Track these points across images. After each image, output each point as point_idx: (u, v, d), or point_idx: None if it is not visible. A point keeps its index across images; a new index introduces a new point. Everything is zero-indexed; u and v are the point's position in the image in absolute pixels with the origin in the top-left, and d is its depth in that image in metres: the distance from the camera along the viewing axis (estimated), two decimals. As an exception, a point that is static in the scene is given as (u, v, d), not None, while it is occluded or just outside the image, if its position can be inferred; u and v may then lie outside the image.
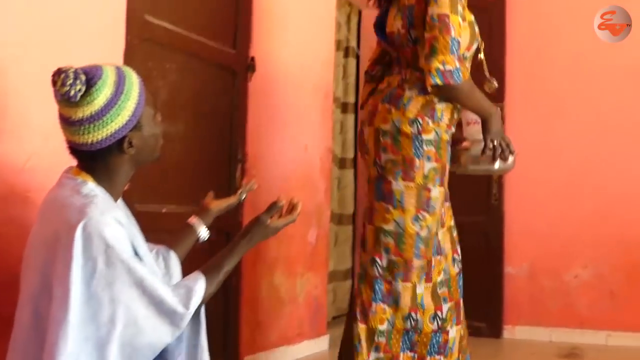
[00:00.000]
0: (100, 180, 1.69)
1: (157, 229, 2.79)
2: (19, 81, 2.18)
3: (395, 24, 2.58)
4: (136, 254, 1.64)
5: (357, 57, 5.20)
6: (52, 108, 2.26)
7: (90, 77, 1.62)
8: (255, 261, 3.53)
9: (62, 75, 1.59)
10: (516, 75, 4.77)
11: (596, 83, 4.64)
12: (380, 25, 2.71)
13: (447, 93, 2.47)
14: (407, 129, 2.48)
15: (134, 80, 1.70)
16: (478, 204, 4.78)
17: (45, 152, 2.25)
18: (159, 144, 1.81)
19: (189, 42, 3.02)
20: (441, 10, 2.38)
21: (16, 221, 2.16)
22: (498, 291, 4.70)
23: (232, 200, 2.29)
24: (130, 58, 2.60)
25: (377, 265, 2.52)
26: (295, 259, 3.89)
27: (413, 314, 2.52)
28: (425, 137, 2.49)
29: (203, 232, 2.15)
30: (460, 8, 2.44)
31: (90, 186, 1.65)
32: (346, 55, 5.04)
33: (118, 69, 1.69)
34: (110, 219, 1.57)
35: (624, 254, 4.51)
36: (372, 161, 2.57)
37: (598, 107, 4.63)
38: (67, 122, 1.64)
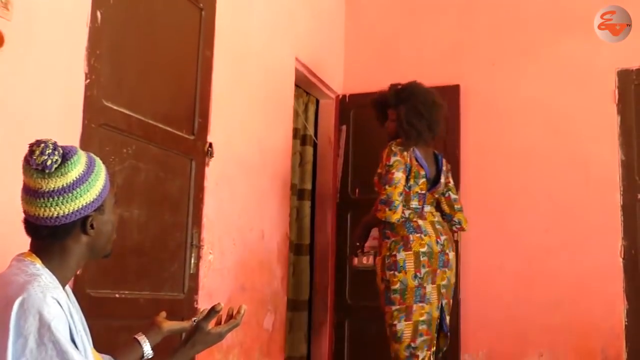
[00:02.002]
0: (50, 262, 1.67)
1: (110, 315, 2.76)
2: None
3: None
4: (73, 340, 1.58)
5: (315, 145, 5.28)
6: (10, 191, 2.26)
7: (67, 151, 1.66)
8: (211, 348, 3.46)
9: (42, 145, 1.62)
10: (470, 164, 4.90)
11: (549, 172, 4.77)
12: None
13: None
14: None
15: (101, 165, 1.75)
16: (434, 291, 4.80)
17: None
18: (114, 235, 1.81)
19: (147, 127, 3.06)
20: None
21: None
22: (456, 379, 4.67)
23: (185, 325, 2.12)
24: (87, 142, 2.62)
25: None
26: (252, 345, 3.84)
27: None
28: None
29: (147, 350, 2.04)
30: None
31: (38, 267, 1.64)
32: (303, 143, 5.13)
33: (87, 152, 1.75)
34: (50, 299, 1.53)
35: (578, 341, 4.53)
36: None
37: (551, 197, 4.74)
38: (34, 194, 1.64)
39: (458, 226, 3.99)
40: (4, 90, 2.31)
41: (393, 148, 3.73)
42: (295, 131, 4.87)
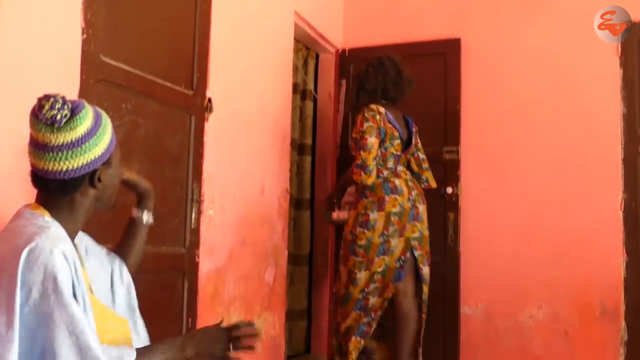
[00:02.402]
0: (59, 215, 1.69)
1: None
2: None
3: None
4: (74, 295, 1.59)
5: (315, 100, 5.26)
6: (6, 146, 2.26)
7: (75, 106, 1.66)
8: (212, 301, 3.51)
9: (52, 100, 1.63)
10: (471, 118, 4.89)
11: (549, 128, 4.76)
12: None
13: None
14: None
15: (107, 118, 1.77)
16: (434, 245, 4.81)
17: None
18: (118, 188, 1.84)
19: (146, 83, 3.04)
20: None
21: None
22: (454, 331, 4.73)
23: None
24: (85, 97, 2.59)
25: None
26: (253, 298, 3.89)
27: None
28: None
29: (146, 217, 2.12)
30: None
31: (47, 219, 1.66)
32: (303, 98, 5.11)
33: (94, 106, 1.75)
34: (57, 252, 1.55)
35: (577, 294, 4.57)
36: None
37: (552, 150, 4.73)
38: (43, 148, 1.65)
39: (426, 183, 4.30)
40: (1, 47, 2.30)
41: (366, 114, 4.00)
42: (295, 86, 4.85)
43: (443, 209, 4.83)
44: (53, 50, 2.52)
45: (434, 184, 4.35)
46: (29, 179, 2.33)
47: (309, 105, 5.16)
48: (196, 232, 3.41)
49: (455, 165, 4.85)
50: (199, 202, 3.43)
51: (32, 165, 1.70)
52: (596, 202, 4.58)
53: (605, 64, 4.61)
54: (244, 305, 3.79)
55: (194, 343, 1.79)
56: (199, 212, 3.43)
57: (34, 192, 2.28)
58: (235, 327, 1.85)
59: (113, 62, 2.81)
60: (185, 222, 3.35)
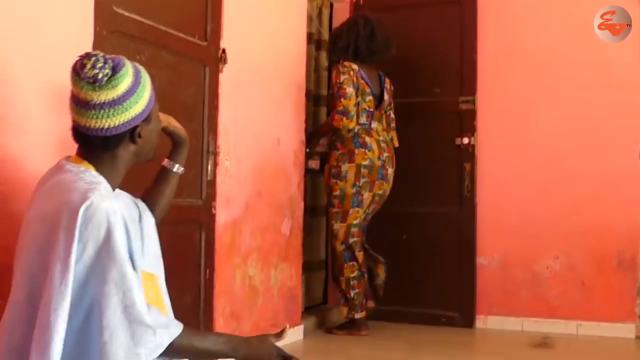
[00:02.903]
0: (102, 169, 1.73)
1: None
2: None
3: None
4: (130, 248, 1.63)
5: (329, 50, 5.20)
6: (20, 101, 2.26)
7: (116, 64, 1.68)
8: (230, 252, 3.53)
9: (93, 59, 1.65)
10: (488, 69, 4.83)
11: (567, 77, 4.70)
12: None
13: None
14: None
15: (146, 74, 1.79)
16: (450, 196, 4.83)
17: (16, 145, 2.24)
18: (157, 142, 1.87)
19: (159, 34, 3.01)
20: None
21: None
22: (470, 282, 4.75)
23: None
24: (99, 49, 2.56)
25: None
26: (270, 250, 3.91)
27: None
28: None
29: (177, 166, 2.14)
30: None
31: (94, 174, 1.69)
32: (318, 48, 5.05)
33: (133, 63, 1.77)
34: (111, 209, 1.58)
35: (594, 245, 4.57)
36: None
37: (569, 101, 4.68)
38: (85, 106, 1.68)
39: (391, 142, 4.55)
40: (15, 1, 2.27)
41: (340, 69, 4.29)
42: (309, 36, 4.78)
43: (459, 160, 4.81)
44: (66, 2, 2.49)
45: (396, 143, 4.60)
46: (46, 127, 2.34)
47: (324, 55, 5.10)
48: (212, 183, 3.41)
49: (471, 115, 4.80)
50: (215, 154, 3.42)
51: (73, 121, 1.73)
52: (615, 152, 4.55)
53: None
54: (261, 256, 3.81)
55: (248, 347, 1.81)
56: (215, 164, 3.43)
57: (49, 140, 2.29)
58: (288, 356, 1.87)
59: (126, 13, 2.78)
60: (201, 174, 3.35)
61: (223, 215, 3.50)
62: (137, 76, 1.74)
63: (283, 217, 4.05)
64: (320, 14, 5.11)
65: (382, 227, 4.95)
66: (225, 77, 3.49)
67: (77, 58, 1.69)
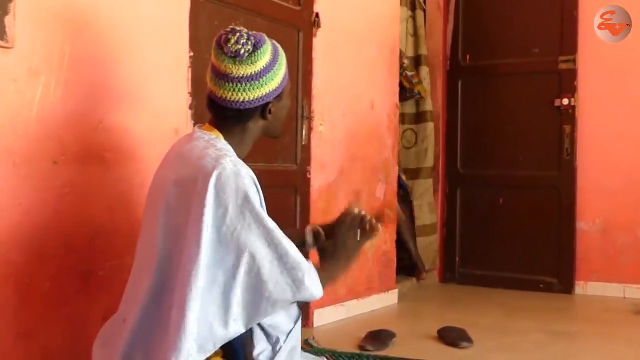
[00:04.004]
0: (231, 140, 1.79)
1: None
2: (92, 44, 2.23)
3: None
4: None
5: (424, 11, 5.11)
6: (123, 70, 2.33)
7: (257, 41, 1.75)
8: (324, 217, 3.56)
9: (238, 35, 1.72)
10: (589, 26, 4.62)
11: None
12: None
13: None
14: None
15: (283, 54, 1.84)
16: (550, 159, 4.70)
17: (118, 113, 2.31)
18: (285, 119, 1.92)
19: (254, 1, 3.03)
20: None
21: (94, 180, 2.24)
22: (570, 247, 4.63)
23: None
24: (196, 16, 2.63)
25: None
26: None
27: None
28: None
29: (308, 240, 2.13)
30: None
31: (223, 142, 1.76)
32: (413, 9, 4.96)
33: (272, 41, 1.82)
34: (243, 172, 1.64)
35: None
36: None
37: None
38: (224, 78, 1.74)
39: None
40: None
41: None
42: (403, -4, 4.71)
43: (558, 122, 4.66)
44: (163, -30, 2.53)
45: None
46: (146, 96, 2.40)
47: (421, 15, 5.01)
48: (307, 148, 3.44)
49: (572, 75, 4.63)
50: (310, 119, 3.44)
51: (210, 92, 1.79)
52: None
53: None
54: (355, 220, 3.82)
55: (350, 251, 1.89)
56: (310, 129, 3.45)
57: (150, 109, 2.35)
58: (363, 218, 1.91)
59: (222, -20, 2.81)
60: (296, 139, 3.38)
61: (318, 179, 3.52)
62: (275, 54, 1.79)
63: (377, 181, 4.05)
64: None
65: (477, 191, 4.88)
66: (319, 42, 3.49)
67: (222, 33, 1.75)
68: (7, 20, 1.95)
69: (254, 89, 1.74)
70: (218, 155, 1.66)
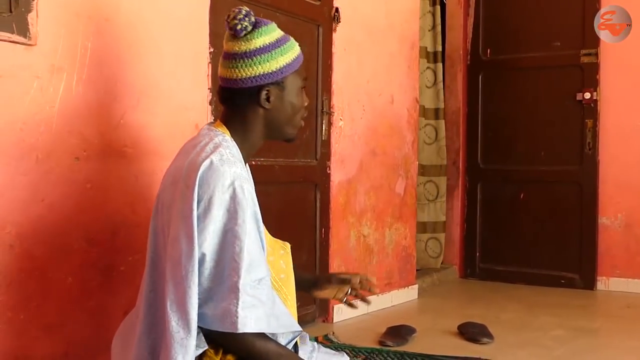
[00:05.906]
0: (235, 134, 1.74)
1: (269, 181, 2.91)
2: (113, 40, 2.25)
3: None
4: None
5: (443, 5, 5.09)
6: (143, 66, 2.34)
7: (258, 21, 1.71)
8: (344, 212, 3.56)
9: (237, 11, 1.69)
10: (612, 18, 4.58)
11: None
12: None
13: None
14: None
15: (296, 49, 1.78)
16: (571, 154, 4.66)
17: (138, 109, 2.33)
18: (297, 119, 1.82)
19: (274, -5, 3.03)
20: None
21: (115, 175, 2.25)
22: (592, 242, 4.60)
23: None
24: (216, 11, 2.64)
25: None
26: (384, 209, 3.91)
27: None
28: None
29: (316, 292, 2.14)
30: None
31: (226, 138, 1.71)
32: (433, 3, 4.94)
33: (288, 34, 1.78)
34: (229, 171, 1.59)
35: None
36: None
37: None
38: (225, 56, 1.73)
39: None
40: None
41: None
42: (424, -9, 4.69)
43: (580, 116, 4.62)
44: (183, -34, 2.55)
45: None
46: (166, 92, 2.41)
47: (439, 10, 4.99)
48: (327, 143, 3.44)
49: (594, 68, 4.59)
50: (329, 114, 3.44)
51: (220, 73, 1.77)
52: None
53: None
54: (375, 215, 3.82)
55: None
56: (329, 124, 3.45)
57: (169, 104, 2.36)
58: None
59: (241, -25, 2.81)
60: (316, 134, 3.38)
61: (338, 174, 3.52)
62: (280, 40, 1.73)
63: (397, 176, 4.04)
64: (433, -33, 4.99)
65: (498, 186, 4.85)
66: (339, 37, 3.48)
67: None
68: (30, 17, 1.98)
69: (244, 66, 1.68)
70: (212, 150, 1.62)
